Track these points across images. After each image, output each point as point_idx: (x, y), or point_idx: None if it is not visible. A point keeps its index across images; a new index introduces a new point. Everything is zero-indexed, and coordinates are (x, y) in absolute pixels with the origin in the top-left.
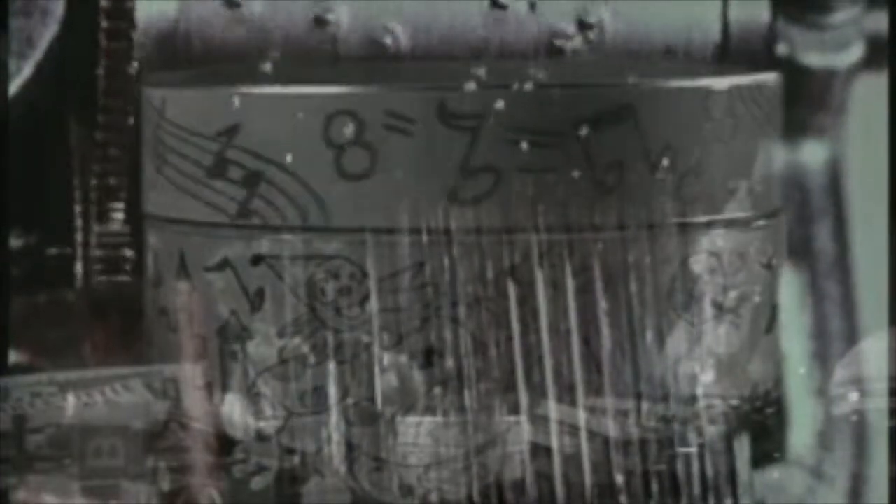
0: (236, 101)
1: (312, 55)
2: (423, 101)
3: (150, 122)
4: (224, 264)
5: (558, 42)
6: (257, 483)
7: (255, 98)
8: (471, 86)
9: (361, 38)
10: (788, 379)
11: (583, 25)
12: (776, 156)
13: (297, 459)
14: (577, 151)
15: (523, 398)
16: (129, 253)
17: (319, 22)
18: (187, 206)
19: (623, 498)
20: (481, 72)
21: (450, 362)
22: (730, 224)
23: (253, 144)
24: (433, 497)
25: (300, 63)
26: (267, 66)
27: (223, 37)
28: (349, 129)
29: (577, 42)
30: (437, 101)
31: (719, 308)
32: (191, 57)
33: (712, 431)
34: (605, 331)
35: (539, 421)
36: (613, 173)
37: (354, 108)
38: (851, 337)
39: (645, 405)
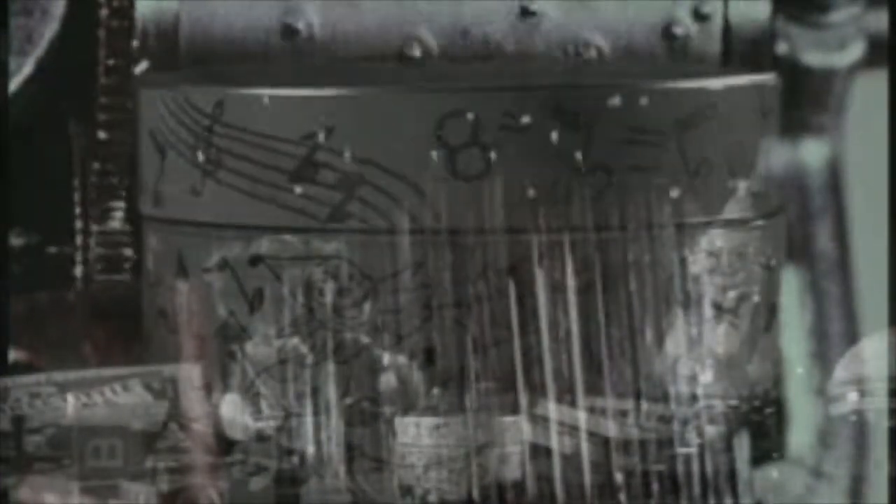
0: (331, 103)
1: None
2: (539, 101)
3: (188, 125)
4: (223, 265)
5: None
6: (256, 483)
7: (353, 99)
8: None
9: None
10: (788, 379)
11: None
12: (776, 155)
13: (296, 460)
14: (674, 150)
15: (523, 398)
16: (129, 253)
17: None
18: (255, 212)
19: (623, 498)
20: (593, 69)
21: (450, 362)
22: (729, 224)
23: (351, 147)
24: (432, 497)
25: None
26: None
27: (224, 36)
28: (464, 130)
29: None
30: (554, 100)
31: (718, 308)
32: (192, 56)
33: (712, 431)
34: (605, 330)
35: (538, 421)
36: (703, 172)
37: (470, 108)
38: (851, 337)
39: (644, 405)
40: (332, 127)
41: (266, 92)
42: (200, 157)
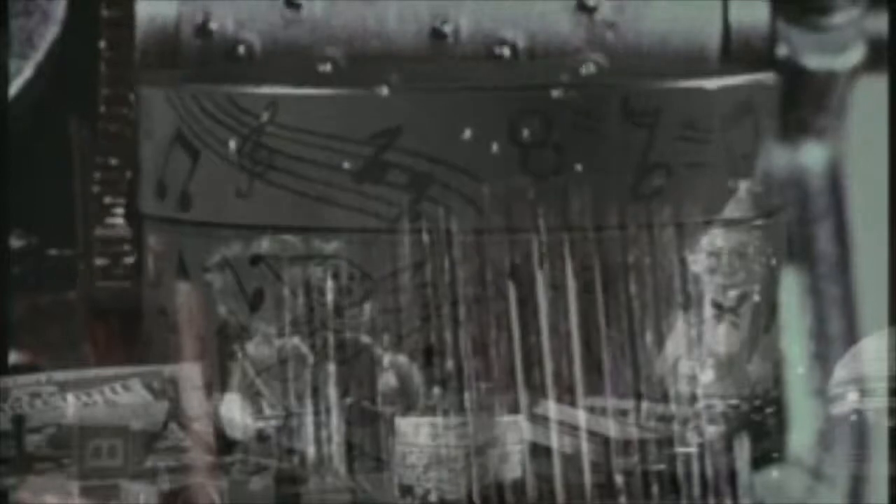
0: (399, 102)
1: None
2: (607, 99)
3: (231, 126)
4: (223, 264)
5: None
6: (256, 483)
7: (421, 98)
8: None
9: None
10: (788, 379)
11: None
12: (777, 156)
13: (296, 459)
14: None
15: (523, 398)
16: (129, 253)
17: None
18: (314, 213)
19: (622, 498)
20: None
21: (449, 362)
22: (729, 223)
23: (422, 146)
24: (432, 497)
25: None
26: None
27: (224, 36)
28: (537, 129)
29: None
30: (621, 98)
31: (719, 307)
32: (191, 57)
33: (712, 431)
34: (605, 330)
35: (538, 420)
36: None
37: (543, 107)
38: (851, 337)
39: (644, 405)
40: (402, 126)
41: (326, 92)
42: (248, 157)
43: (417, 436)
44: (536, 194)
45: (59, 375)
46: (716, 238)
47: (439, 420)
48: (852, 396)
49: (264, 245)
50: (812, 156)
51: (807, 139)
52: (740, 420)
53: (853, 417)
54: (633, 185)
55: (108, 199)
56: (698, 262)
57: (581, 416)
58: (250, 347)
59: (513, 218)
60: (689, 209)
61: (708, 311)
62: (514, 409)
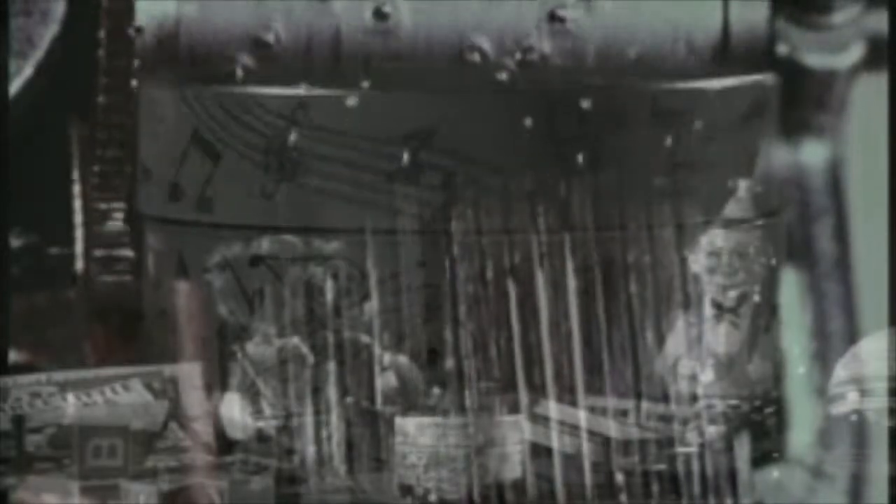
0: (432, 104)
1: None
2: (639, 97)
3: (257, 127)
4: (223, 264)
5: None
6: (257, 483)
7: (457, 99)
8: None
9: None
10: (788, 379)
11: None
12: (777, 155)
13: (296, 459)
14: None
15: (523, 398)
16: (128, 253)
17: None
18: (346, 214)
19: (623, 498)
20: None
21: (450, 362)
22: (729, 223)
23: (457, 146)
24: (432, 497)
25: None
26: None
27: (223, 36)
28: (573, 126)
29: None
30: (652, 96)
31: (719, 307)
32: (191, 57)
33: (712, 431)
34: (605, 330)
35: (539, 420)
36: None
37: (580, 104)
38: (851, 337)
39: (645, 405)
40: (437, 127)
41: (358, 92)
42: (275, 159)
43: (418, 436)
44: (537, 192)
45: (59, 375)
46: (716, 238)
47: (440, 420)
48: (852, 396)
49: (264, 245)
50: (812, 155)
51: (807, 138)
52: (740, 420)
53: (853, 417)
54: (634, 186)
55: (108, 198)
56: (698, 262)
57: (581, 416)
58: (250, 347)
59: (511, 218)
60: (689, 209)
61: (708, 311)
62: (515, 409)
